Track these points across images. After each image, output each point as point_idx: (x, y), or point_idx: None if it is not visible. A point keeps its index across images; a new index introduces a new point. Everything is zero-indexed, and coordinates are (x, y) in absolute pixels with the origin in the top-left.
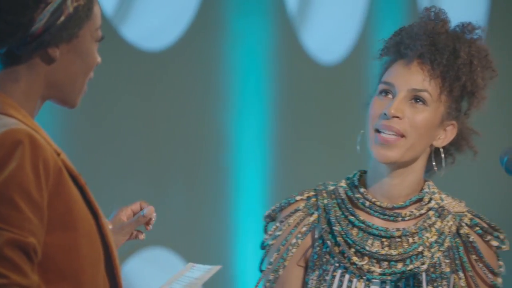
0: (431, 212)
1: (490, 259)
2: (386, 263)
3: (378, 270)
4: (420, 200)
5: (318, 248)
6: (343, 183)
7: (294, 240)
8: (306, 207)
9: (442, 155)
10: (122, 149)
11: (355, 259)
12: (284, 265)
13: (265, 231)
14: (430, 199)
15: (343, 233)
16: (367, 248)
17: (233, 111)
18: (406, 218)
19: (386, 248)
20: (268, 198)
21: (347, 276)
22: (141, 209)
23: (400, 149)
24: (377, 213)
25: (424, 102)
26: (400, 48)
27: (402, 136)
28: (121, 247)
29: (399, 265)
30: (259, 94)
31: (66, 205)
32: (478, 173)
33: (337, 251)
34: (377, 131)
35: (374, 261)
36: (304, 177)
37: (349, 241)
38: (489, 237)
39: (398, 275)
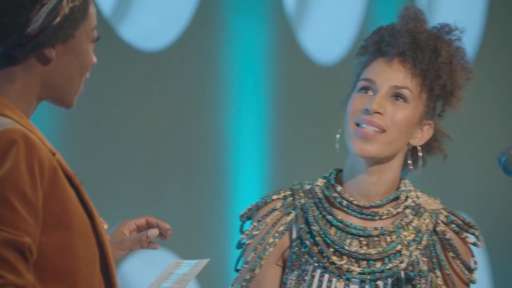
0: (408, 210)
1: (466, 255)
2: (365, 262)
3: (357, 270)
4: (396, 198)
5: (296, 248)
6: (319, 182)
7: (271, 240)
8: (283, 206)
9: (420, 154)
10: (120, 149)
11: (334, 258)
12: (260, 264)
13: (241, 230)
14: (407, 197)
15: (321, 232)
16: (346, 247)
17: (231, 111)
18: (384, 217)
19: (365, 248)
20: None
21: (326, 276)
22: (147, 223)
23: (379, 144)
24: (355, 212)
25: (404, 99)
26: (380, 46)
27: (383, 131)
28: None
29: (378, 264)
30: (257, 94)
31: (61, 205)
32: (478, 173)
33: (316, 250)
34: (358, 125)
35: (353, 260)
36: (302, 177)
37: (327, 240)
38: (464, 234)
39: (377, 274)
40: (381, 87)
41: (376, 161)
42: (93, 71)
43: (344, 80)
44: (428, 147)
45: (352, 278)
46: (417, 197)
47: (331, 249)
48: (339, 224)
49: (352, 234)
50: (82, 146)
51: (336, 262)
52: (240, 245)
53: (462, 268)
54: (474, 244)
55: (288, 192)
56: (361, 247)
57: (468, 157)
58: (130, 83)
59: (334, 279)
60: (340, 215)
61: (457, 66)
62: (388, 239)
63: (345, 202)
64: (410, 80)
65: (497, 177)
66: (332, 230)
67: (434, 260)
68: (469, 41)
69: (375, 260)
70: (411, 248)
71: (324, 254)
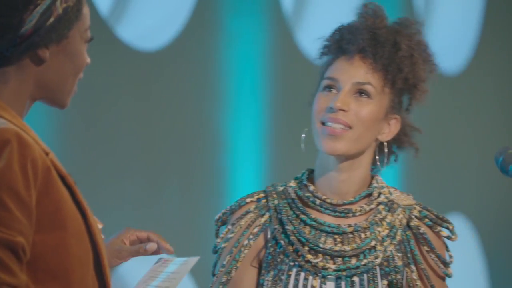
0: (381, 207)
1: (441, 249)
2: (340, 259)
3: (333, 267)
4: (369, 195)
5: (272, 249)
6: (292, 183)
7: (246, 242)
8: (257, 208)
9: (386, 150)
10: (118, 149)
11: (309, 257)
12: (236, 267)
13: (217, 234)
14: (379, 193)
15: (295, 232)
16: (321, 245)
17: (229, 111)
18: (357, 214)
19: (340, 245)
20: None
21: (302, 274)
22: (148, 238)
23: (347, 141)
24: (328, 210)
25: (368, 95)
26: (341, 44)
27: (349, 128)
28: None
29: (353, 261)
30: (254, 94)
31: (55, 205)
32: (477, 174)
33: (291, 250)
34: (323, 124)
35: (328, 257)
36: None
37: (302, 239)
38: (438, 228)
39: (353, 270)
40: (344, 84)
41: (345, 158)
42: (90, 71)
43: None
44: (398, 141)
45: (328, 275)
46: (390, 193)
47: (306, 248)
48: (313, 223)
49: (326, 232)
50: (80, 146)
51: (311, 260)
52: (216, 249)
53: (437, 261)
54: (448, 237)
55: (262, 195)
56: (335, 244)
57: (467, 157)
58: (128, 83)
59: (310, 277)
60: (314, 214)
61: (418, 59)
62: (363, 235)
63: (318, 201)
64: (372, 76)
65: (496, 177)
66: (307, 229)
67: (408, 255)
68: (467, 41)
69: (350, 257)
70: (385, 244)
71: (299, 253)
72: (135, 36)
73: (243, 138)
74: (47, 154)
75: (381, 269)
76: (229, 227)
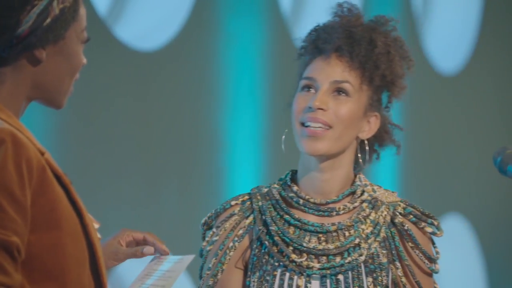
0: (364, 204)
1: (426, 245)
2: (324, 258)
3: (317, 266)
4: (352, 193)
5: (256, 250)
6: (276, 185)
7: (231, 244)
8: (241, 210)
9: (367, 148)
10: (116, 149)
11: (293, 256)
12: (222, 269)
13: (204, 238)
14: (363, 191)
15: (279, 232)
16: (305, 244)
17: (227, 111)
18: (341, 212)
19: (324, 243)
20: None
21: (287, 274)
22: (144, 240)
23: (328, 141)
24: (312, 210)
25: (346, 93)
26: (317, 44)
27: (329, 127)
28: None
29: (338, 259)
30: (253, 94)
31: (51, 204)
32: (476, 174)
33: (276, 250)
34: (303, 125)
35: (313, 256)
36: None
37: (286, 239)
38: (423, 224)
39: (337, 268)
40: (322, 84)
41: (327, 158)
42: (88, 71)
43: None
44: (379, 139)
45: (313, 274)
46: (374, 190)
47: (290, 248)
48: (296, 222)
49: (310, 231)
50: (78, 146)
51: (296, 260)
52: (202, 253)
53: (422, 257)
54: (433, 233)
55: (246, 197)
56: (320, 243)
57: (465, 158)
58: (126, 83)
59: (295, 277)
60: (298, 214)
61: (395, 55)
62: (347, 233)
63: (301, 201)
64: (349, 74)
65: (494, 178)
66: (291, 229)
67: (393, 251)
68: (465, 41)
69: (334, 255)
70: (369, 241)
71: (284, 253)
72: (133, 36)
73: (241, 138)
74: (42, 153)
75: (365, 266)
76: (214, 230)
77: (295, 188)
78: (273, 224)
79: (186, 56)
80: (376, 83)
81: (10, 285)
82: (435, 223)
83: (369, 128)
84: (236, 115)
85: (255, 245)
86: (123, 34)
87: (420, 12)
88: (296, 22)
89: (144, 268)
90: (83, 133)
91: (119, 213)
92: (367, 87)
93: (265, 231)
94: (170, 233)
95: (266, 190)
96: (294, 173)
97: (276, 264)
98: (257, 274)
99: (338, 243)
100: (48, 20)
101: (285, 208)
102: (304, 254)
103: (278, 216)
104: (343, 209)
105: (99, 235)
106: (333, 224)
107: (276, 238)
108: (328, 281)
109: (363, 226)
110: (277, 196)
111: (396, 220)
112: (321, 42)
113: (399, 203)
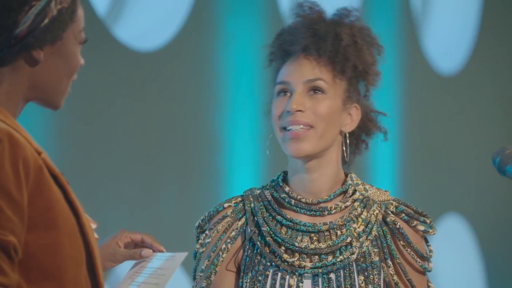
0: (356, 204)
1: (418, 244)
2: (316, 257)
3: (309, 265)
4: (344, 192)
5: (249, 251)
6: (268, 186)
7: (224, 246)
8: (234, 212)
9: (354, 140)
10: (115, 149)
11: (285, 256)
12: (215, 271)
13: (197, 241)
14: (355, 190)
15: (271, 232)
16: (296, 244)
17: (226, 112)
18: (333, 212)
19: (316, 243)
20: None
21: (279, 274)
22: (142, 242)
23: (311, 140)
24: (303, 210)
25: (321, 90)
26: (285, 47)
27: (310, 127)
28: None
29: (329, 258)
30: (252, 95)
31: (47, 204)
32: (475, 174)
33: (268, 251)
34: (285, 129)
35: (305, 256)
36: None
37: (278, 239)
38: (415, 222)
39: (329, 267)
40: (295, 86)
41: (313, 157)
42: (87, 71)
43: None
44: (364, 128)
45: (305, 273)
46: (365, 189)
47: (282, 248)
48: (288, 223)
49: (302, 231)
50: (77, 147)
51: (288, 259)
52: (195, 255)
53: (413, 256)
54: (426, 231)
55: (239, 199)
56: (311, 242)
57: (465, 158)
58: (125, 83)
59: (287, 276)
60: (290, 214)
61: (362, 45)
62: (338, 232)
63: (293, 201)
64: (320, 71)
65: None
66: (283, 230)
67: (385, 250)
68: (465, 42)
69: (326, 254)
70: (361, 240)
71: (276, 254)
72: (132, 36)
73: (240, 139)
74: (39, 153)
75: (357, 265)
76: (207, 232)
77: (287, 188)
78: (265, 225)
79: (185, 56)
80: (348, 75)
81: (7, 285)
82: (428, 221)
83: (351, 120)
84: (235, 115)
85: (247, 246)
86: (122, 34)
87: (419, 13)
88: None
89: (133, 264)
90: (82, 133)
91: (118, 213)
92: (341, 81)
93: (257, 232)
94: (169, 233)
95: (258, 191)
96: (286, 174)
97: (268, 264)
98: (250, 274)
99: (329, 242)
100: (46, 20)
101: (277, 209)
102: (296, 254)
103: (270, 217)
104: (335, 208)
105: (96, 235)
106: (325, 224)
107: (268, 238)
108: (320, 280)
109: (355, 225)
110: (269, 197)
111: (388, 219)
112: (288, 45)
113: (391, 201)
